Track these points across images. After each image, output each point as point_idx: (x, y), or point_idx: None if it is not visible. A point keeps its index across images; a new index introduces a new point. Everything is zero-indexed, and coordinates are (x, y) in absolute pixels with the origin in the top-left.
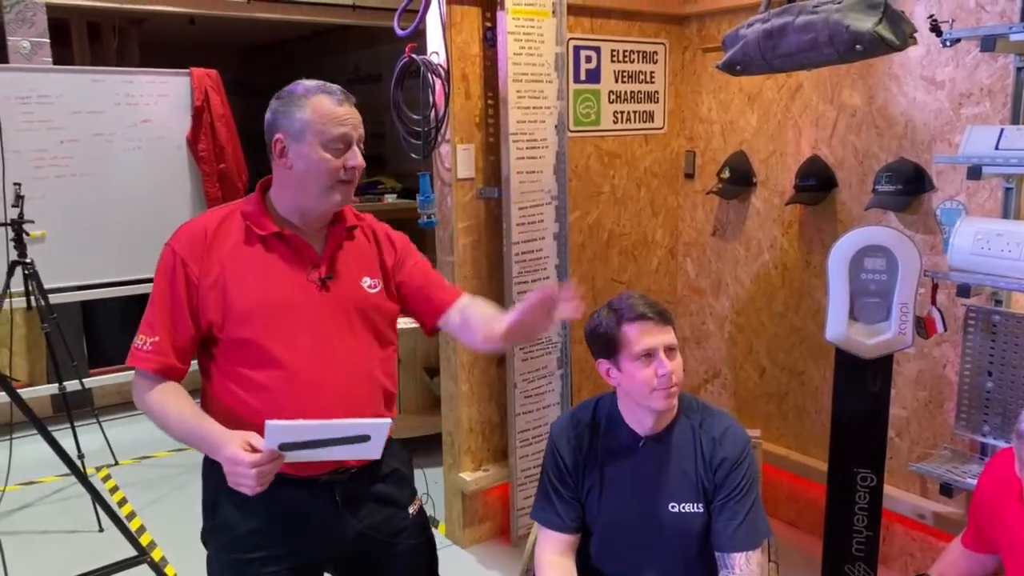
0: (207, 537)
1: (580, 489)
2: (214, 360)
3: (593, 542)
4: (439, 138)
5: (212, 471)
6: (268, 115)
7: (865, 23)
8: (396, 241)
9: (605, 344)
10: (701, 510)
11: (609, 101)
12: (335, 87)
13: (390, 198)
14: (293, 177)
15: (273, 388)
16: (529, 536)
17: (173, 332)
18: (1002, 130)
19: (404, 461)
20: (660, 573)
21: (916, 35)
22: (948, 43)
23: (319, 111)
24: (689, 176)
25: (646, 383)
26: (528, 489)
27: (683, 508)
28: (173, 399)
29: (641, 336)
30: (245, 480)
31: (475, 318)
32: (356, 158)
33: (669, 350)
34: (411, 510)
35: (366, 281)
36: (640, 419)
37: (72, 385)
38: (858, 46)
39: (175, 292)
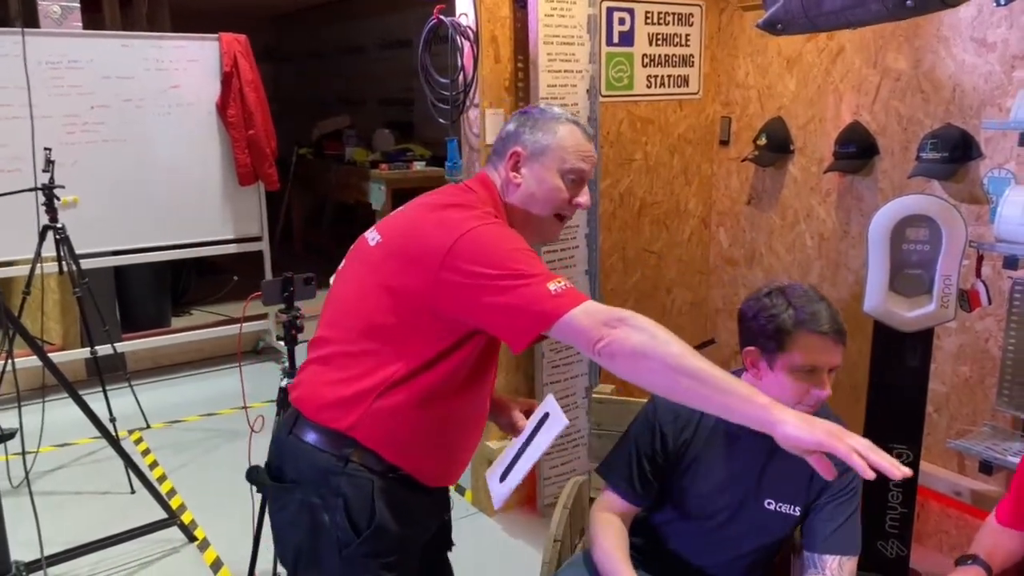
0: (356, 551)
1: (670, 470)
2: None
3: (666, 515)
4: (467, 102)
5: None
6: (511, 126)
7: None
8: None
9: (768, 338)
10: (797, 513)
11: (643, 65)
12: (582, 122)
13: (419, 165)
14: (518, 195)
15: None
16: (559, 503)
17: None
18: None
19: None
20: (725, 562)
21: None
22: (1002, 2)
23: (568, 139)
24: (724, 143)
25: (794, 396)
26: (554, 459)
27: (780, 507)
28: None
29: (815, 352)
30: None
31: None
32: (585, 196)
33: (831, 371)
34: (449, 518)
35: None
36: None
37: (105, 349)
38: (909, 1)
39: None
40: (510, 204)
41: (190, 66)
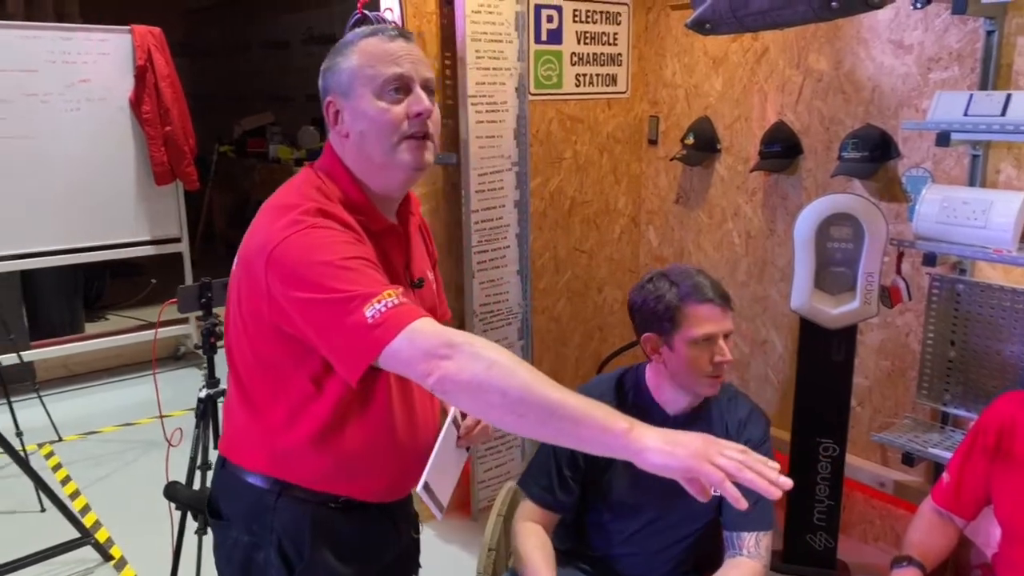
0: None
1: (590, 470)
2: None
3: (597, 517)
4: None
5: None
6: (320, 79)
7: None
8: (429, 235)
9: (660, 319)
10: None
11: (571, 63)
12: (388, 25)
13: None
14: (351, 145)
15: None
16: (492, 510)
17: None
18: (971, 96)
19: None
20: (662, 549)
21: None
22: (918, 5)
23: (366, 53)
24: (652, 142)
25: (700, 368)
26: (488, 462)
27: None
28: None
29: (706, 320)
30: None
31: None
32: (421, 103)
33: (726, 336)
34: (418, 535)
35: (428, 275)
36: (674, 399)
37: (10, 359)
38: (834, 3)
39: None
40: (352, 162)
41: (100, 60)
